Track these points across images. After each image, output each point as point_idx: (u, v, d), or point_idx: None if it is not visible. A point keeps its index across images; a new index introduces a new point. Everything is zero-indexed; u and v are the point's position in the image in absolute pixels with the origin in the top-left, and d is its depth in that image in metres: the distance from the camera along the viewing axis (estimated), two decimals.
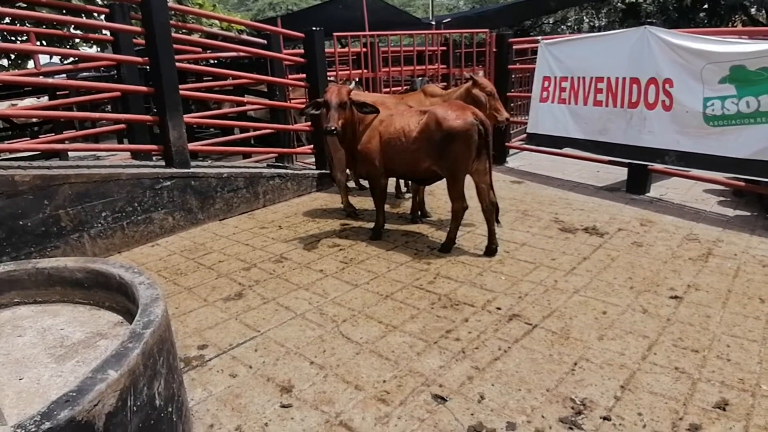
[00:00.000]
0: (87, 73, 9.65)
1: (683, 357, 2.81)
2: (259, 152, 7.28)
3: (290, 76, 7.02)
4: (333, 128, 4.26)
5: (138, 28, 5.50)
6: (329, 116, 4.31)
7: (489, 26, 9.25)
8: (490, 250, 4.33)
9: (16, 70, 6.92)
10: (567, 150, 6.72)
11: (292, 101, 7.27)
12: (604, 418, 2.36)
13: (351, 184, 6.61)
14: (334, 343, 3.11)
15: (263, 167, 6.45)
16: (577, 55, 6.40)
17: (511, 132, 8.22)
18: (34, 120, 9.49)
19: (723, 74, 4.84)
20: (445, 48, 8.45)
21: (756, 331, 3.03)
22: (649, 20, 5.91)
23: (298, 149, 7.34)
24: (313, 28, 6.44)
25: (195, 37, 6.74)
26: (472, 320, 3.29)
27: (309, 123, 6.91)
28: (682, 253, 4.23)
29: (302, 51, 6.84)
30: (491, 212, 4.29)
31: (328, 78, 6.80)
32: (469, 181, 4.27)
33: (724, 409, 2.39)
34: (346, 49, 7.45)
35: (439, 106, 4.35)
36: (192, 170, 5.39)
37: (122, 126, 6.78)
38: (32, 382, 1.86)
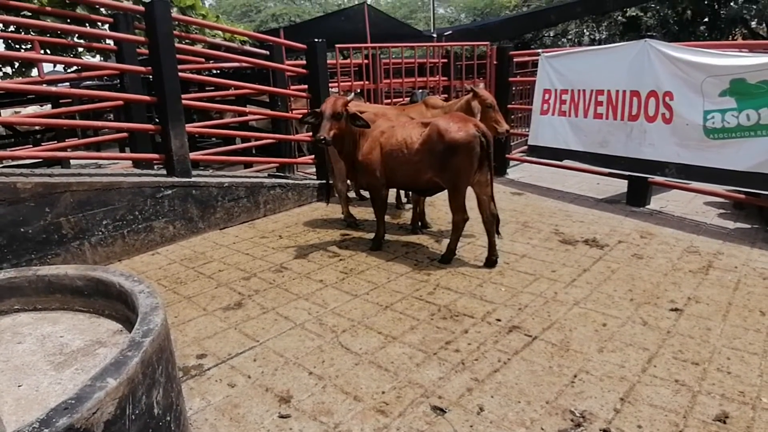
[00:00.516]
0: (90, 82, 9.71)
1: (683, 369, 2.80)
2: (260, 162, 7.30)
3: (292, 87, 7.05)
4: (322, 138, 4.31)
5: (141, 38, 5.53)
6: (321, 126, 4.36)
7: (490, 39, 9.33)
8: (491, 262, 4.33)
9: (20, 78, 6.96)
10: (567, 162, 6.73)
11: (293, 112, 7.30)
12: (604, 431, 2.35)
13: (351, 194, 6.61)
14: (333, 354, 3.10)
15: (264, 177, 6.47)
16: (577, 68, 6.43)
17: (512, 144, 8.25)
18: (37, 128, 9.52)
19: (723, 87, 4.86)
20: (446, 60, 8.50)
21: (756, 344, 3.02)
22: (649, 33, 5.93)
23: (299, 159, 7.36)
24: (316, 40, 6.48)
25: (198, 47, 6.79)
26: (472, 331, 3.29)
27: (310, 133, 6.92)
28: (683, 265, 4.23)
29: (304, 62, 6.88)
30: (492, 224, 4.29)
31: (330, 89, 6.83)
32: (469, 193, 4.28)
33: (725, 422, 2.38)
34: (348, 61, 7.50)
35: (441, 118, 4.37)
36: (193, 179, 5.40)
37: (124, 135, 6.80)
38: (31, 390, 1.86)
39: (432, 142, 4.18)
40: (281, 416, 2.54)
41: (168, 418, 1.88)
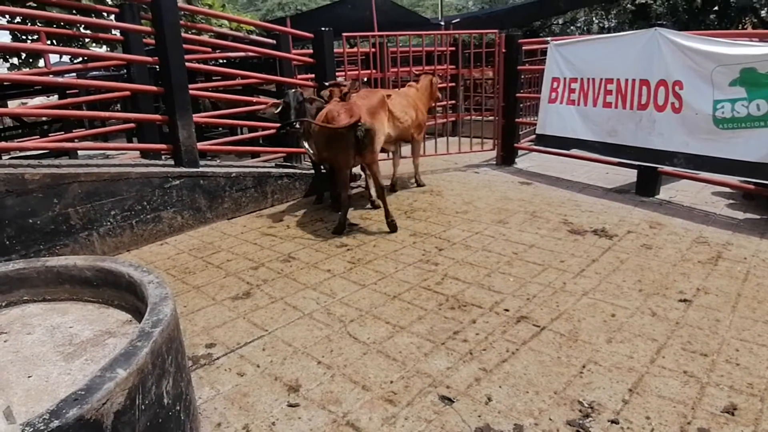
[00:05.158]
0: (97, 73, 9.71)
1: (692, 361, 2.79)
2: (267, 152, 7.30)
3: (299, 77, 7.03)
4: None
5: (148, 28, 5.52)
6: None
7: (498, 27, 9.24)
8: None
9: (27, 69, 6.97)
10: (575, 151, 6.68)
11: None
12: (612, 422, 2.35)
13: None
14: (341, 343, 3.11)
15: (271, 167, 6.46)
16: (586, 57, 6.37)
17: (520, 133, 8.19)
18: (44, 119, 9.54)
19: (733, 77, 4.80)
20: (454, 48, 8.46)
21: (765, 336, 3.00)
22: (659, 22, 5.85)
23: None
24: (322, 29, 6.45)
25: (204, 37, 6.77)
26: (480, 322, 3.29)
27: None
28: (692, 256, 4.21)
29: (311, 51, 6.85)
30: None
31: (337, 78, 6.80)
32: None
33: (733, 414, 2.37)
34: (355, 50, 7.46)
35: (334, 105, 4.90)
36: (201, 169, 5.41)
37: (132, 125, 6.81)
38: (41, 380, 1.87)
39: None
40: (290, 405, 2.56)
41: (178, 408, 1.89)
